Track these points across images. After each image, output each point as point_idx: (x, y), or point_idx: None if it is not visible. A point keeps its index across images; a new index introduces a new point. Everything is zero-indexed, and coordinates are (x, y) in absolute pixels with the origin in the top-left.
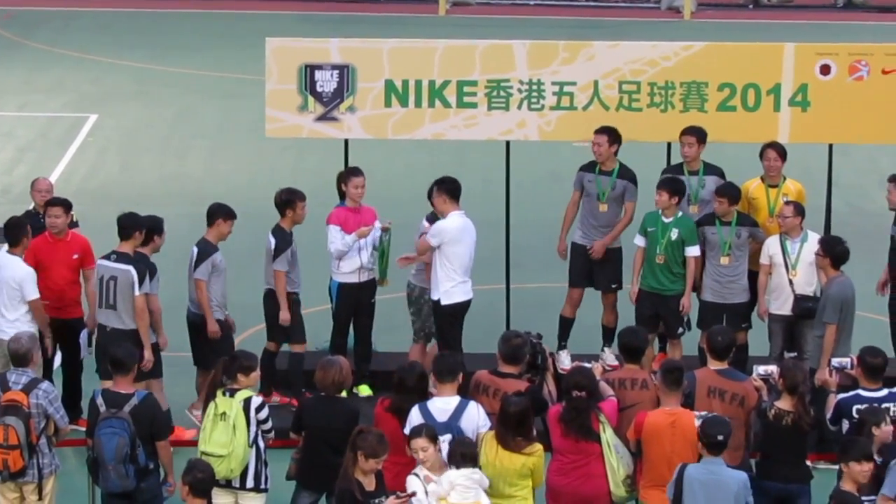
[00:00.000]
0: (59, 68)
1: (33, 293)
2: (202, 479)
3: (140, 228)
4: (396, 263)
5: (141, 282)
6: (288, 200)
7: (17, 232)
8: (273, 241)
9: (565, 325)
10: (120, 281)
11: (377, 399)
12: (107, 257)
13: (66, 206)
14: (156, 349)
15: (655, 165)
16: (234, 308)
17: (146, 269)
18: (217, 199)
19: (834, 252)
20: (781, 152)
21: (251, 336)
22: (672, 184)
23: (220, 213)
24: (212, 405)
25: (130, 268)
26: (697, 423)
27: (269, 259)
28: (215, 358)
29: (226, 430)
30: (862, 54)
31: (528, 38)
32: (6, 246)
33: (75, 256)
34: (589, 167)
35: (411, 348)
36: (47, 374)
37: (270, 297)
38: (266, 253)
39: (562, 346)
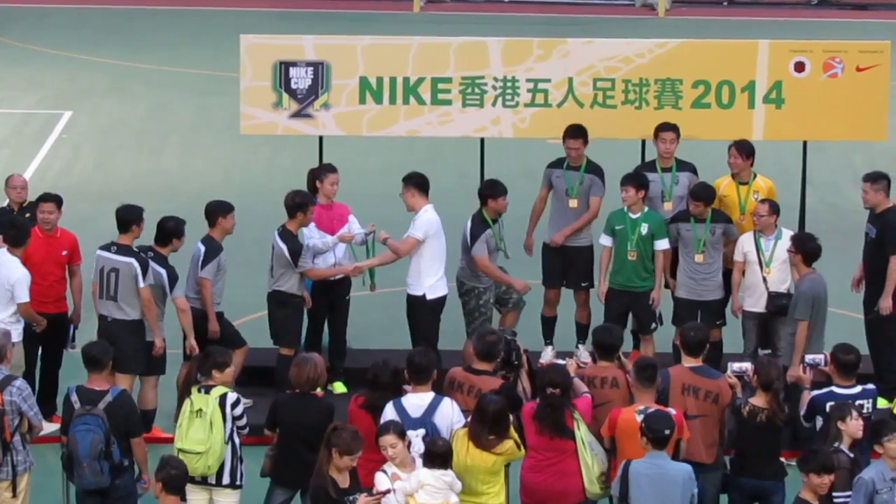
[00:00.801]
0: (34, 65)
1: (24, 297)
2: (176, 475)
3: (138, 222)
4: (351, 273)
5: (144, 274)
6: (301, 204)
7: (22, 233)
8: (285, 246)
9: (547, 323)
10: (122, 273)
11: (351, 396)
12: (106, 248)
13: (59, 201)
14: (148, 347)
15: (630, 162)
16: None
17: (147, 262)
18: (192, 195)
19: (806, 249)
20: (742, 150)
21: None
22: (637, 178)
23: (219, 211)
24: (187, 402)
25: (133, 260)
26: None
27: (279, 262)
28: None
29: (203, 427)
30: (836, 52)
31: (502, 35)
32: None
33: (64, 253)
34: (557, 163)
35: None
36: (56, 363)
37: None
38: (276, 256)
39: (548, 344)
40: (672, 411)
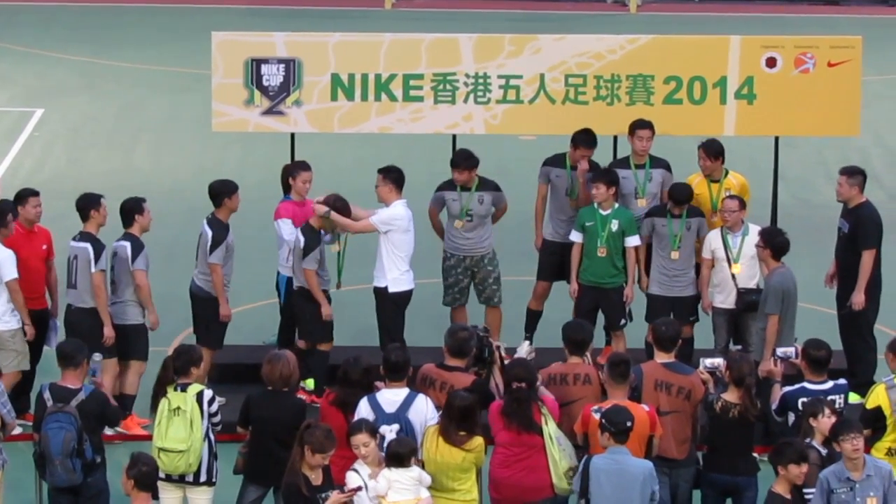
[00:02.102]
0: (5, 63)
1: (12, 273)
2: (147, 472)
3: (95, 207)
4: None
5: (97, 259)
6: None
7: (1, 217)
8: (303, 239)
9: (532, 316)
10: (80, 259)
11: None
12: (74, 238)
13: (37, 194)
14: (144, 329)
15: (601, 159)
16: (181, 302)
17: (103, 247)
18: (163, 192)
19: (774, 243)
20: (709, 152)
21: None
22: (607, 175)
23: (224, 191)
24: (164, 402)
25: (88, 245)
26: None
27: (299, 256)
28: (216, 338)
29: (184, 426)
30: (808, 47)
31: (473, 31)
32: None
33: (44, 247)
34: (555, 162)
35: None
36: (35, 359)
37: (302, 295)
38: (295, 250)
39: (526, 338)
40: (646, 407)
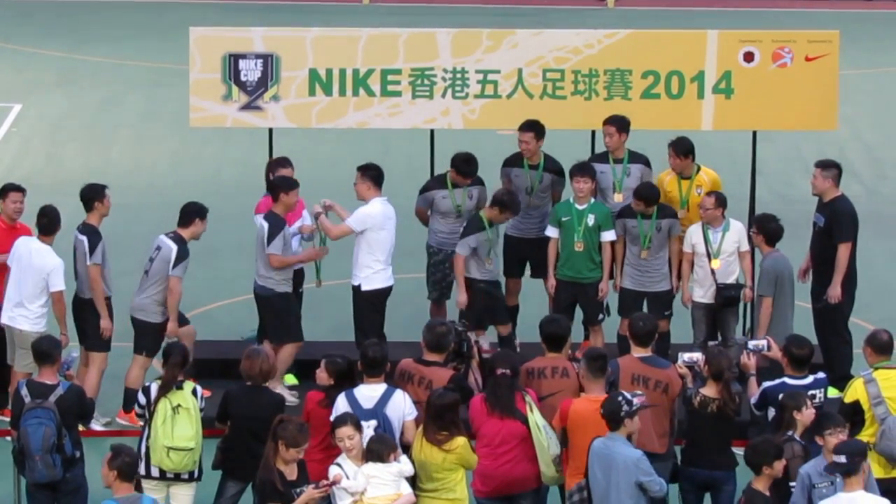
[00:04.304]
0: None
1: (59, 284)
2: (130, 463)
3: (100, 198)
4: (299, 230)
5: (92, 252)
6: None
7: (54, 220)
8: (266, 225)
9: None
10: (78, 251)
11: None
12: (77, 227)
13: (24, 192)
14: (161, 329)
15: (580, 153)
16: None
17: (99, 240)
18: (141, 189)
19: (768, 229)
20: (678, 150)
21: None
22: (589, 170)
23: (282, 186)
24: (164, 401)
25: (85, 238)
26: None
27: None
28: (286, 332)
29: (189, 423)
30: (785, 41)
31: (451, 26)
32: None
33: None
34: (514, 161)
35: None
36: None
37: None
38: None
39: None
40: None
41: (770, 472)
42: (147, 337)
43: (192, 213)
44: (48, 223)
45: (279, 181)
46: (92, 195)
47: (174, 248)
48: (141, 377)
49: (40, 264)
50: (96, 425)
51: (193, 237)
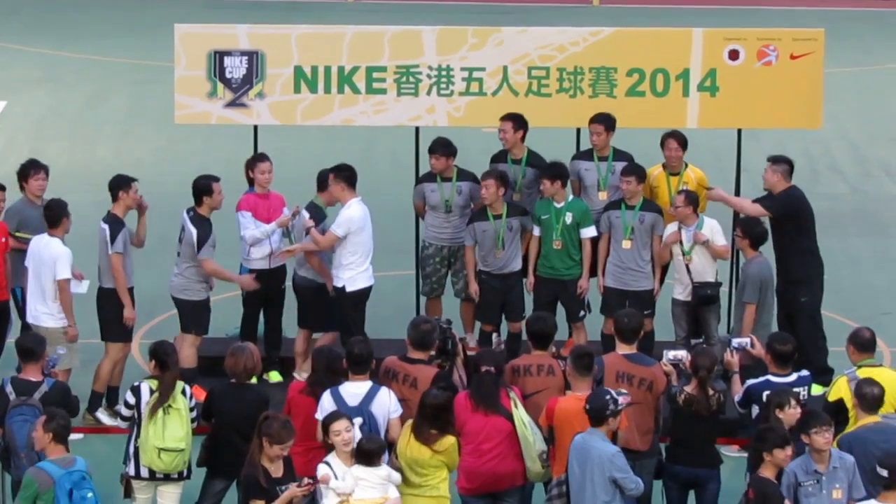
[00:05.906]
0: None
1: (64, 273)
2: (64, 425)
3: (125, 189)
4: (279, 257)
5: (113, 241)
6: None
7: (59, 212)
8: (195, 230)
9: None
10: (100, 241)
11: (287, 385)
12: (103, 218)
13: (3, 188)
14: (206, 305)
15: (565, 151)
16: (142, 296)
17: (120, 229)
18: None
19: (753, 233)
20: (682, 141)
21: (158, 323)
22: (560, 169)
23: (324, 177)
24: (155, 399)
25: (106, 227)
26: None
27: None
28: (326, 319)
29: (181, 424)
30: (770, 39)
31: (436, 23)
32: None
33: (3, 240)
34: (500, 157)
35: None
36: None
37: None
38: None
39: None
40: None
41: (771, 458)
42: (193, 315)
43: (200, 189)
44: (53, 216)
45: (324, 171)
46: (118, 185)
47: (194, 231)
48: (193, 355)
49: (49, 256)
50: (104, 418)
51: (214, 209)
